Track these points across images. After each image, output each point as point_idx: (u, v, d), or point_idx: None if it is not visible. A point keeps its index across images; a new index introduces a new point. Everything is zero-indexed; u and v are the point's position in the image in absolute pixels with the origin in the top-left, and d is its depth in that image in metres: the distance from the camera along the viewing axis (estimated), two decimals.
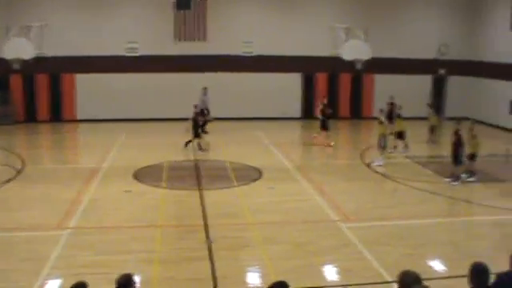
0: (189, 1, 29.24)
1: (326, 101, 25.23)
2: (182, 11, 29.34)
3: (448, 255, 12.43)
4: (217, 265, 11.24)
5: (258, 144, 25.21)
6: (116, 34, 29.27)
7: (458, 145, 18.40)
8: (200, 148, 22.58)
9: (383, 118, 21.34)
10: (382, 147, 20.97)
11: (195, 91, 28.88)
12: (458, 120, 19.94)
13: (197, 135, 22.68)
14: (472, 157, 18.69)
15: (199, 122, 23.03)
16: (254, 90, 27.85)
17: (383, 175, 19.61)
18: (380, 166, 20.57)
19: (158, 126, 28.66)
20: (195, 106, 23.66)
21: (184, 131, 22.84)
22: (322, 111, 24.46)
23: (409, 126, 23.36)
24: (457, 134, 18.59)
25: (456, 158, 18.44)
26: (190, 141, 22.57)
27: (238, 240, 12.89)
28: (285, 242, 12.82)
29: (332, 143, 24.25)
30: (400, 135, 22.84)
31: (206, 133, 25.64)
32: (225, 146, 23.87)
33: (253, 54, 30.41)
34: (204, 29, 29.56)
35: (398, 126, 22.72)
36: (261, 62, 30.32)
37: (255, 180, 18.46)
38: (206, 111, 26.42)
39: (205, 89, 27.36)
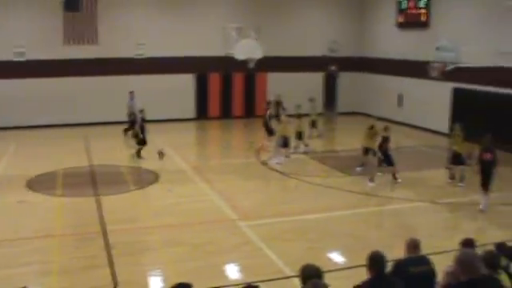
0: (78, 2, 28.51)
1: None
2: (71, 13, 28.53)
3: (348, 246, 12.94)
4: (118, 271, 11.18)
5: (154, 146, 25.08)
6: (1, 38, 28.19)
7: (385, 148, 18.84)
8: (138, 155, 21.90)
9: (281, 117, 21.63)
10: (281, 146, 21.24)
11: (87, 95, 28.48)
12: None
13: (142, 142, 21.92)
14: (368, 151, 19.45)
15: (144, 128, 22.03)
16: (147, 93, 27.55)
17: (280, 172, 20.02)
18: (279, 164, 20.90)
19: (50, 132, 27.80)
20: (141, 111, 22.50)
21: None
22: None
23: (303, 123, 23.88)
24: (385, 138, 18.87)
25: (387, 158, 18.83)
26: (139, 149, 21.94)
27: (137, 244, 12.86)
28: (185, 244, 12.90)
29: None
30: (299, 135, 23.24)
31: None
32: (120, 150, 23.57)
33: (145, 56, 30.13)
34: (95, 31, 28.98)
35: (297, 126, 23.04)
36: (153, 63, 30.09)
37: (152, 183, 18.39)
38: (132, 116, 25.97)
39: (131, 93, 26.74)
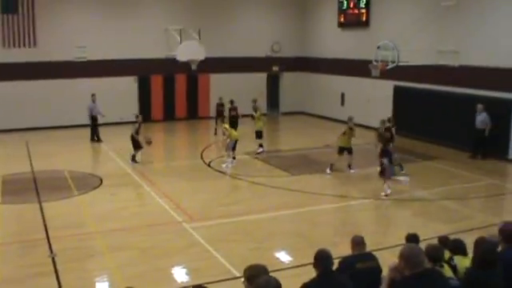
0: (14, 4, 27.87)
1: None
2: (7, 15, 27.87)
3: (294, 245, 13.04)
4: (63, 278, 10.98)
5: (97, 151, 24.83)
6: None
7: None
8: (134, 159, 21.56)
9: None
10: (231, 149, 21.16)
11: (27, 99, 27.93)
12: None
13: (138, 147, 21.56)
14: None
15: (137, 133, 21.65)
16: (88, 96, 27.08)
17: (225, 173, 20.03)
18: (228, 167, 20.84)
19: None
20: (137, 116, 22.43)
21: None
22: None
23: (247, 122, 23.97)
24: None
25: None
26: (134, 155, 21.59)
27: (82, 250, 12.66)
28: (130, 248, 12.76)
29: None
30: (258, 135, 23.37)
31: (100, 141, 25.44)
32: (62, 155, 23.15)
33: (86, 59, 29.65)
34: (33, 34, 28.39)
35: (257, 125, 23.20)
36: (95, 66, 29.65)
37: (96, 188, 18.13)
38: (94, 119, 25.56)
39: (93, 95, 26.20)
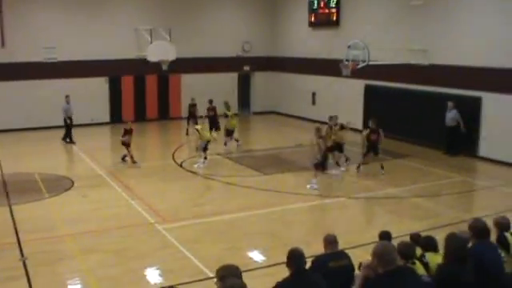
0: None
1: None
2: None
3: (267, 245, 13.06)
4: (34, 281, 10.85)
5: (68, 152, 24.58)
6: None
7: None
8: (123, 159, 21.46)
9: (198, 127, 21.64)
10: (203, 149, 21.10)
11: None
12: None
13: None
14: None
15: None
16: (59, 98, 26.74)
17: (197, 173, 19.96)
18: (200, 167, 20.79)
19: None
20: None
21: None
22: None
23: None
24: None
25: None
26: (125, 155, 21.41)
27: (54, 253, 12.50)
28: (103, 251, 12.66)
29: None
30: (228, 133, 23.58)
31: (72, 142, 25.14)
32: (33, 157, 22.88)
33: (56, 60, 29.31)
34: (1, 35, 27.95)
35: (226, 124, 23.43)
36: (65, 67, 29.31)
37: (67, 190, 17.93)
38: (68, 120, 25.23)
39: (67, 97, 25.83)
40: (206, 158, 20.99)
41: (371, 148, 19.60)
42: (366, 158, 19.92)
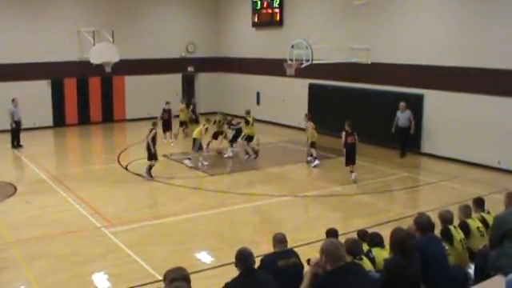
0: None
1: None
2: None
3: (214, 245, 13.06)
4: None
5: (8, 157, 24.00)
6: None
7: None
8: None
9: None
10: (197, 150, 21.19)
11: None
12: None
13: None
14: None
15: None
16: (2, 101, 26.12)
17: (142, 176, 19.75)
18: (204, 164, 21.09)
19: None
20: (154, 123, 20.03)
21: None
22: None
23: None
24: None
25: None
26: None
27: None
28: (48, 256, 12.42)
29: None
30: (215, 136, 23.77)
31: (20, 146, 24.67)
32: None
33: None
34: None
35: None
36: (6, 70, 28.59)
37: (9, 196, 17.50)
38: (14, 124, 24.53)
39: (14, 100, 24.95)
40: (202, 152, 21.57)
41: (350, 153, 18.70)
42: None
